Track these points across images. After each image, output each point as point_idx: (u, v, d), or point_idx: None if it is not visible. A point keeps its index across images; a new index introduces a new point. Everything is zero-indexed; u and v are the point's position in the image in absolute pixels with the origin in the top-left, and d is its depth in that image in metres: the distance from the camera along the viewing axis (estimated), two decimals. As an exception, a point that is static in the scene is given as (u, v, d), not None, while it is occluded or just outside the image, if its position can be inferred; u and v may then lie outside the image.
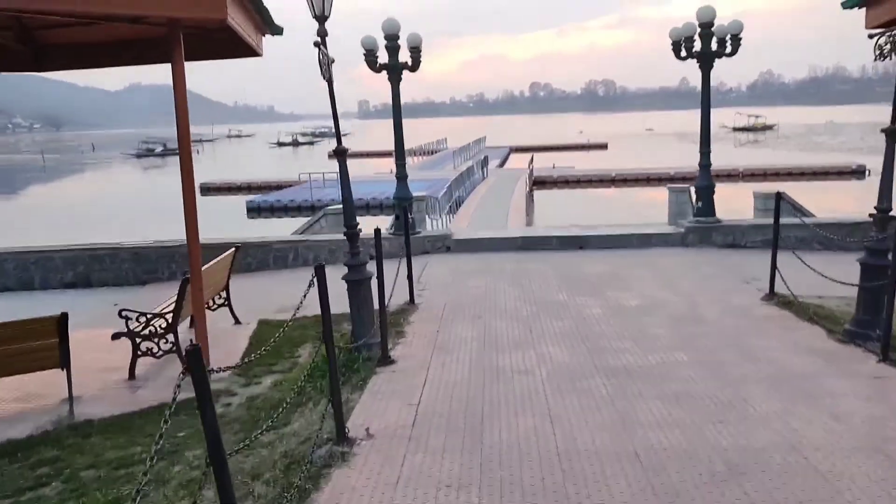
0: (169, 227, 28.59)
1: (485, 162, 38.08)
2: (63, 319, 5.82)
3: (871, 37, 6.32)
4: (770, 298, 7.87)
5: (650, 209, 28.05)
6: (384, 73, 11.40)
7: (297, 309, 4.76)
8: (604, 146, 71.95)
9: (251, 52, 8.96)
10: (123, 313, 6.63)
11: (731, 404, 4.92)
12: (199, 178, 45.82)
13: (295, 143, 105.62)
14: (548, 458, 4.22)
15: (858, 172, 38.52)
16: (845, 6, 9.37)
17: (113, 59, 8.45)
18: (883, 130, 6.07)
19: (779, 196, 7.86)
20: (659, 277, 9.28)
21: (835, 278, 6.86)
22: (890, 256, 6.00)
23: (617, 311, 7.66)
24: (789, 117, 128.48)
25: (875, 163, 39.58)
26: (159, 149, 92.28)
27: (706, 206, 11.66)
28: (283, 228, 23.58)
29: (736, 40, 11.03)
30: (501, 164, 49.17)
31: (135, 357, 6.66)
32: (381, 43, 11.26)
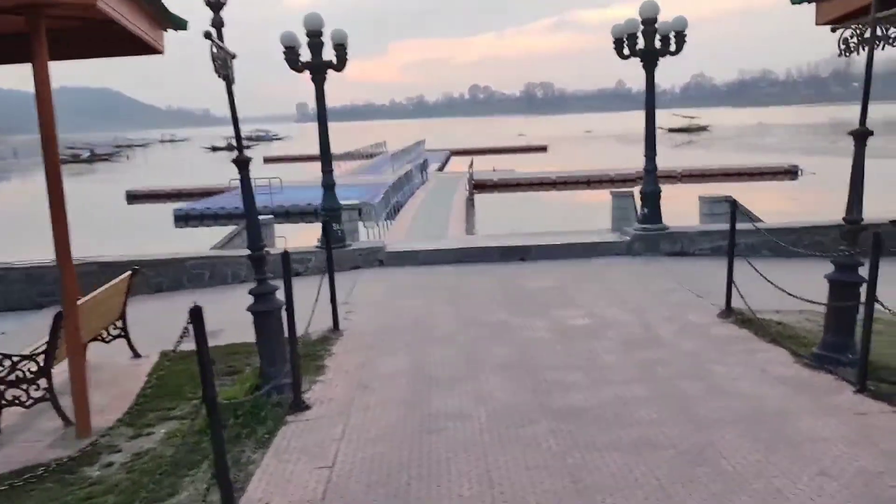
0: (88, 240, 26.84)
1: (424, 166, 37.37)
2: None
3: (833, 31, 5.72)
4: (727, 315, 7.26)
5: (593, 213, 27.67)
6: (308, 73, 10.48)
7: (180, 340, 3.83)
8: (543, 148, 72.08)
9: (147, 48, 7.90)
10: (-17, 356, 5.55)
11: (701, 455, 4.20)
12: (127, 185, 43.96)
13: (230, 148, 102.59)
14: (487, 541, 3.40)
15: (791, 172, 39.19)
16: (795, 1, 8.90)
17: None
18: (851, 133, 5.47)
19: (734, 204, 7.25)
20: (607, 292, 8.60)
21: (791, 291, 6.27)
22: (862, 271, 5.42)
23: (564, 333, 6.92)
24: (721, 118, 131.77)
25: (807, 163, 40.36)
26: (86, 154, 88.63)
27: (652, 212, 11.08)
28: (212, 238, 22.35)
29: (680, 37, 10.47)
30: (441, 168, 48.52)
31: (-2, 408, 5.59)
32: (304, 40, 10.33)
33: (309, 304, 6.73)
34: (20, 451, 5.32)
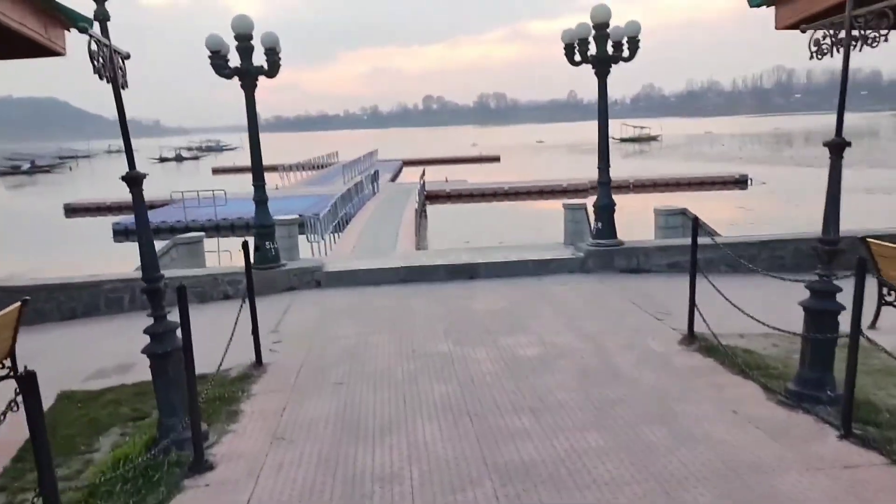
0: (18, 257, 25.27)
1: (375, 176, 36.56)
2: None
3: (803, 31, 5.18)
4: (690, 341, 6.67)
5: (545, 223, 27.23)
6: (237, 79, 9.65)
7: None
8: (496, 159, 71.86)
9: (43, 50, 7.02)
10: None
11: (671, 526, 3.53)
12: (66, 197, 42.08)
13: (178, 159, 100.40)
14: None
15: (741, 182, 39.47)
16: (753, 4, 8.44)
17: None
18: (826, 144, 4.91)
19: (696, 221, 6.67)
20: (560, 314, 7.95)
21: (753, 312, 5.74)
22: (840, 298, 4.86)
23: (512, 366, 6.23)
24: (670, 128, 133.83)
25: (755, 172, 40.66)
26: (26, 166, 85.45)
27: (606, 226, 10.51)
28: None
29: (633, 43, 9.95)
30: (394, 178, 47.75)
31: None
32: (233, 44, 9.51)
33: (231, 334, 5.93)
34: None
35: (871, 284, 4.86)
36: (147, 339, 4.88)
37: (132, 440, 5.02)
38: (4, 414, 2.99)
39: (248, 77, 9.54)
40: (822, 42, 4.98)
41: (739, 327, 6.65)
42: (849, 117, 4.92)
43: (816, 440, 4.43)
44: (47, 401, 6.47)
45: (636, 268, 10.38)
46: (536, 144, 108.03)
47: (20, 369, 6.58)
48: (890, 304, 6.79)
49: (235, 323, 6.07)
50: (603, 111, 10.44)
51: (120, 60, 4.76)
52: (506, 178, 45.37)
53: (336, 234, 21.92)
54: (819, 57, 5.02)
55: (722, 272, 9.50)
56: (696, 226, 6.64)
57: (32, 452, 5.36)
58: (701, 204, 31.75)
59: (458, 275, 10.25)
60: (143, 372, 6.97)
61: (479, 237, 24.52)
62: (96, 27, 4.43)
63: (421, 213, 28.01)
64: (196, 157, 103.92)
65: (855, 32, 4.71)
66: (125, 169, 4.90)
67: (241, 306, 6.32)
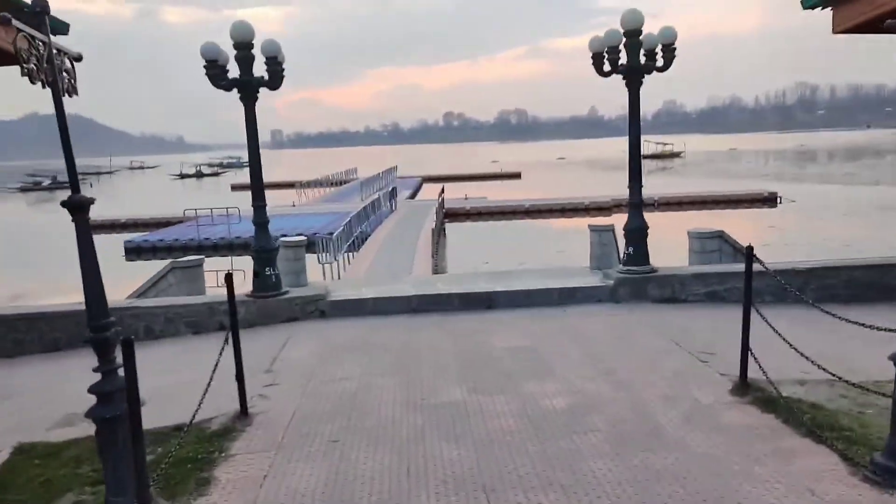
0: (24, 274, 24.77)
1: (393, 193, 35.85)
2: None
3: (890, 28, 4.28)
4: (743, 391, 5.73)
5: (568, 243, 26.28)
6: (236, 91, 8.90)
7: None
8: (517, 175, 71.02)
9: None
10: None
11: None
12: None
13: (199, 175, 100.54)
14: None
15: (770, 200, 38.24)
16: (807, 6, 7.54)
17: None
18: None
19: (751, 250, 5.74)
20: (589, 354, 7.04)
21: (810, 353, 4.84)
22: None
23: (537, 422, 5.33)
24: (693, 145, 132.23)
25: (783, 189, 39.48)
26: (47, 182, 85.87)
27: (638, 251, 9.60)
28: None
29: (669, 51, 9.07)
30: (413, 196, 47.03)
31: None
32: (232, 53, 8.78)
33: (222, 373, 5.12)
34: None
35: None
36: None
37: (79, 518, 4.18)
38: None
39: (247, 89, 8.79)
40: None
41: (796, 371, 5.74)
42: (877, 134, 3.99)
43: (927, 541, 3.49)
44: (1, 455, 5.70)
45: (671, 297, 9.44)
46: (557, 161, 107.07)
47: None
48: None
49: (216, 364, 5.24)
50: (634, 125, 9.55)
51: (68, 62, 3.97)
52: (527, 195, 44.50)
53: (351, 254, 21.16)
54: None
55: (766, 303, 8.53)
56: (751, 256, 5.71)
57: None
58: (730, 223, 30.62)
59: (474, 304, 9.37)
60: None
61: (498, 257, 23.63)
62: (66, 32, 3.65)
63: (439, 232, 27.19)
64: (216, 174, 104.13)
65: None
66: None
67: (225, 341, 5.49)
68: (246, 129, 9.04)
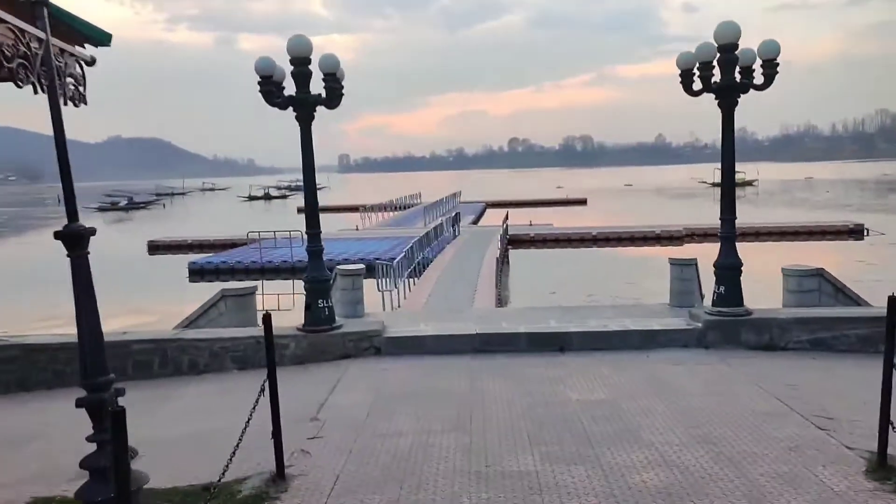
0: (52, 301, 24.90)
1: (456, 219, 35.11)
2: None
3: None
4: (884, 474, 4.66)
5: (639, 274, 25.00)
6: (292, 109, 8.31)
7: None
8: (583, 202, 69.56)
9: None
10: None
11: None
12: (154, 234, 42.66)
13: (267, 197, 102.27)
14: None
15: (856, 232, 35.93)
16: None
17: None
18: None
19: (893, 301, 4.68)
20: (681, 413, 6.04)
21: None
22: None
23: None
24: (766, 173, 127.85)
25: (872, 221, 37.15)
26: (124, 202, 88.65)
27: (731, 291, 8.52)
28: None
29: (770, 67, 8.06)
30: (476, 221, 46.32)
31: None
32: (288, 69, 8.20)
33: (264, 418, 4.40)
34: None
35: None
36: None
37: None
38: None
39: (304, 107, 8.19)
40: None
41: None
42: None
43: None
44: (15, 511, 5.09)
45: (768, 344, 8.33)
46: (624, 188, 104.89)
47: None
48: None
49: (250, 417, 4.51)
50: (728, 150, 8.55)
51: (77, 67, 3.32)
52: (593, 222, 43.21)
53: (412, 280, 20.45)
54: None
55: (870, 353, 7.36)
56: (894, 306, 4.65)
57: None
58: (814, 256, 28.77)
59: (544, 346, 8.46)
60: (146, 466, 5.56)
61: (565, 288, 22.57)
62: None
63: (503, 260, 26.29)
64: (284, 196, 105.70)
65: None
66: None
67: (261, 391, 4.76)
68: (301, 151, 8.43)
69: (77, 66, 3.38)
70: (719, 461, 5.01)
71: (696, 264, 11.88)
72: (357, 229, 40.30)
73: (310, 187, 8.49)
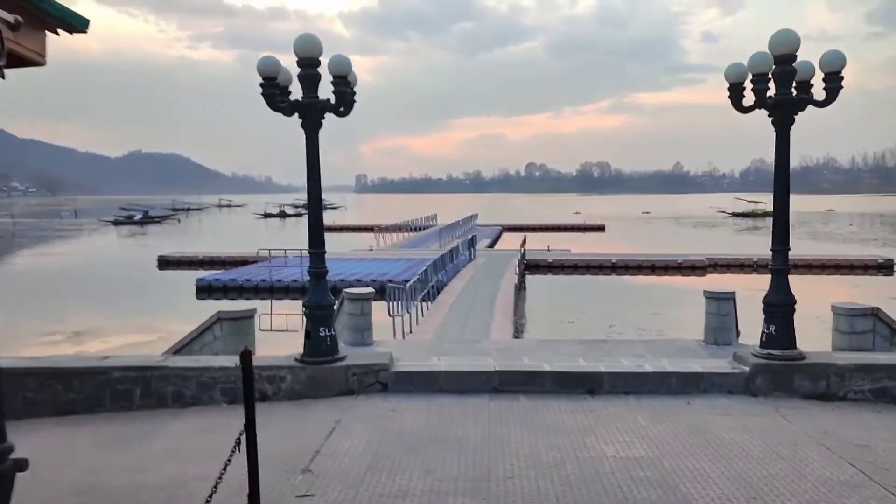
0: (90, 307, 24.17)
1: (473, 242, 34.25)
2: None
3: None
4: None
5: (663, 306, 23.98)
6: (297, 117, 7.52)
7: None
8: (601, 228, 68.57)
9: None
10: None
11: None
12: (165, 249, 42.15)
13: (282, 215, 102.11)
14: None
15: (886, 267, 34.69)
16: None
17: None
18: None
19: None
20: (742, 484, 5.08)
21: None
22: None
23: None
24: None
25: (894, 255, 35.79)
26: (139, 216, 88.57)
27: (782, 332, 7.57)
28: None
29: (834, 81, 7.17)
30: (492, 244, 45.46)
31: None
32: (295, 71, 7.43)
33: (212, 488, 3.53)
34: None
35: None
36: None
37: None
38: None
39: (311, 113, 7.38)
40: None
41: None
42: None
43: None
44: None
45: (825, 393, 7.35)
46: (643, 215, 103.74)
47: None
48: None
49: (227, 462, 3.64)
50: (781, 174, 7.64)
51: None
52: (612, 248, 42.25)
53: (426, 303, 19.56)
54: None
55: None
56: None
57: None
58: (843, 291, 27.69)
59: (571, 387, 7.53)
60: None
61: (585, 317, 21.62)
62: None
63: (520, 286, 25.37)
64: (299, 215, 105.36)
65: None
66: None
67: (236, 444, 3.89)
68: (306, 163, 7.62)
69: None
70: (796, 549, 4.07)
71: (734, 298, 10.98)
72: (371, 249, 39.56)
73: (315, 203, 7.66)
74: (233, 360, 7.81)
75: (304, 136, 7.49)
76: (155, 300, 27.98)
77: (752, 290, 12.03)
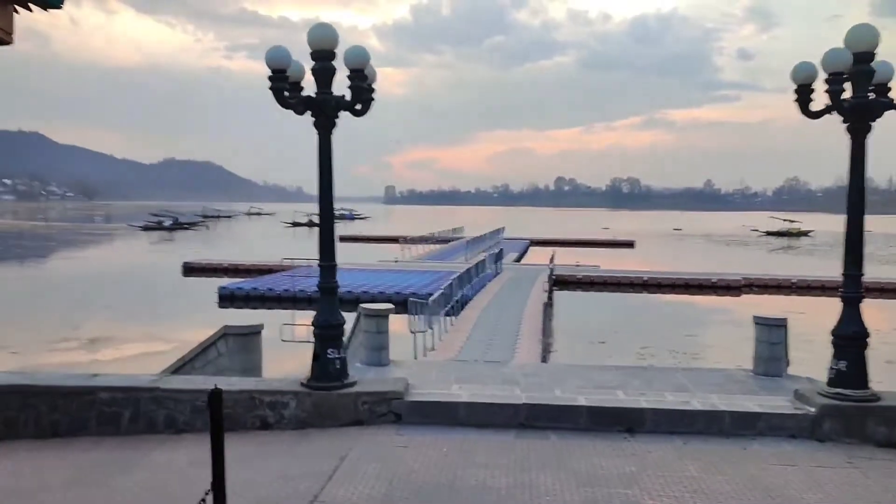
0: (108, 315, 23.72)
1: (500, 255, 33.37)
2: None
3: None
4: None
5: (698, 327, 22.90)
6: (310, 115, 6.78)
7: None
8: (630, 244, 67.17)
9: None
10: None
11: None
12: (192, 255, 41.87)
13: (310, 224, 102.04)
14: None
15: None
16: None
17: None
18: None
19: None
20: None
21: None
22: None
23: None
24: (820, 224, 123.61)
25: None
26: (168, 222, 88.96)
27: (855, 369, 6.62)
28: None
29: (918, 84, 6.27)
30: (519, 259, 44.52)
31: None
32: (308, 65, 6.71)
33: None
34: None
35: None
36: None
37: None
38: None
39: (324, 110, 6.64)
40: None
41: None
42: None
43: None
44: None
45: (903, 440, 6.39)
46: (673, 232, 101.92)
47: None
48: None
49: None
50: (856, 186, 6.73)
51: None
52: (642, 265, 41.06)
53: (450, 318, 18.73)
54: None
55: None
56: None
57: None
58: (891, 316, 26.34)
59: (608, 424, 6.65)
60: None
61: (616, 337, 20.61)
62: None
63: (547, 304, 24.43)
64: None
65: None
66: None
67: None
68: (318, 166, 6.88)
69: None
70: None
71: (785, 326, 10.01)
72: (396, 261, 38.87)
73: (326, 212, 6.91)
74: (233, 383, 7.07)
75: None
76: (176, 308, 27.50)
77: (792, 314, 11.27)
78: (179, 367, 8.82)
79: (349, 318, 12.78)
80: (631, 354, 16.77)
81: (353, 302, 25.71)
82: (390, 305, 10.32)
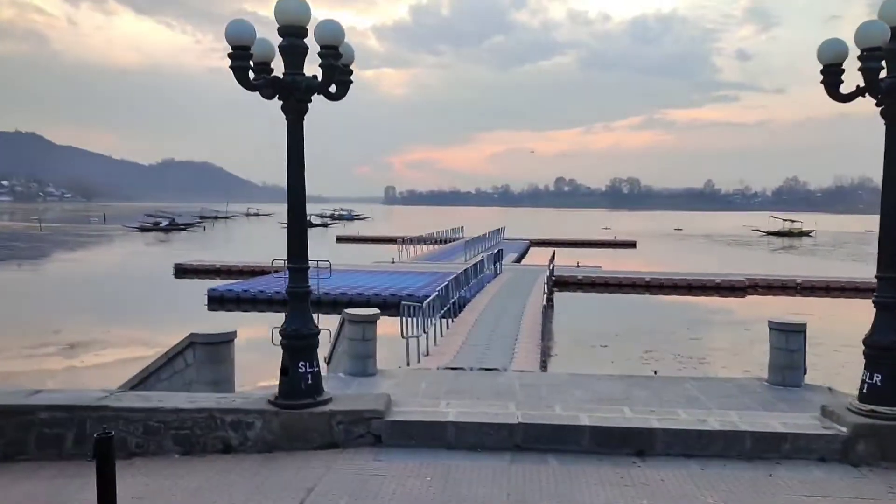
0: (93, 319, 22.91)
1: (499, 256, 32.61)
2: None
3: None
4: None
5: (703, 330, 22.14)
6: (278, 99, 6.03)
7: None
8: (632, 244, 66.36)
9: None
10: None
11: None
12: (185, 256, 41.11)
13: (308, 225, 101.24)
14: None
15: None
16: None
17: None
18: None
19: None
20: None
21: None
22: None
23: None
24: (820, 224, 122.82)
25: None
26: (164, 223, 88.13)
27: (892, 383, 5.87)
28: (246, 328, 17.78)
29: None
30: (519, 259, 43.78)
31: None
32: (276, 42, 5.95)
33: None
34: None
35: None
36: None
37: None
38: None
39: (293, 93, 5.88)
40: None
41: None
42: None
43: None
44: None
45: (946, 464, 5.63)
46: (674, 232, 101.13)
47: None
48: None
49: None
50: (891, 183, 5.98)
51: None
52: (644, 266, 40.27)
53: (446, 320, 17.97)
54: None
55: None
56: None
57: None
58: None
59: (614, 447, 5.89)
60: None
61: (619, 340, 19.82)
62: None
63: (547, 306, 23.68)
64: (325, 225, 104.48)
65: None
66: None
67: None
68: (287, 156, 6.13)
69: None
70: None
71: (804, 331, 9.27)
72: (393, 262, 38.10)
73: (297, 208, 6.16)
74: (191, 401, 6.29)
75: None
76: (164, 310, 26.74)
77: (799, 316, 10.56)
78: (143, 380, 8.07)
79: (333, 322, 12.11)
80: (635, 359, 16.01)
81: (345, 304, 24.99)
82: (376, 311, 9.57)
